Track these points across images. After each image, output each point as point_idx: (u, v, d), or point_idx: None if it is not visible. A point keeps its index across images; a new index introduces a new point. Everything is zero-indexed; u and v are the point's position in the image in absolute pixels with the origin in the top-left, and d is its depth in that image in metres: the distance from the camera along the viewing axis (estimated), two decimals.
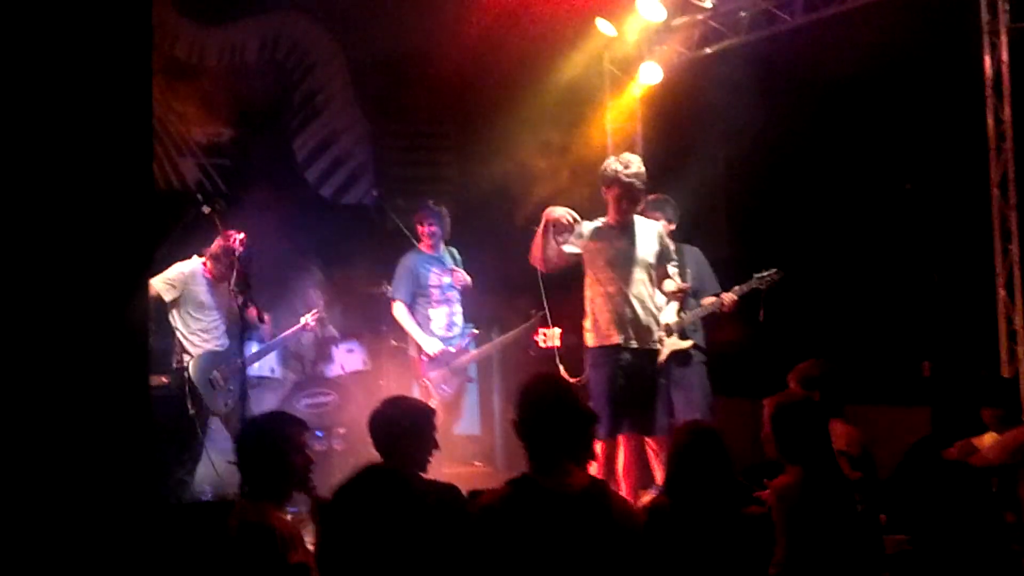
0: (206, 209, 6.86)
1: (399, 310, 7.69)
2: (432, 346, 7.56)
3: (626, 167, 6.39)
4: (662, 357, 6.91)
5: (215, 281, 7.43)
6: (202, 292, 7.41)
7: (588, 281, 6.53)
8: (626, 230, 6.51)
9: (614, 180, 6.41)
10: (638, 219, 6.63)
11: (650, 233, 6.61)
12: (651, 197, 7.15)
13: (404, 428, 4.31)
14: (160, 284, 7.26)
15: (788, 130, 8.33)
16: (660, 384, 6.59)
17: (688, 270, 7.24)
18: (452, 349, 7.66)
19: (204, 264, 7.41)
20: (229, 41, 9.86)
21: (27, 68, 4.16)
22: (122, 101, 4.52)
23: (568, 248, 6.49)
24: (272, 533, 3.85)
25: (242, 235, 7.11)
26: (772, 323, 7.16)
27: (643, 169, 6.48)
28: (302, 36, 10.23)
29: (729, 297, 7.17)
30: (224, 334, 7.50)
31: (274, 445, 4.05)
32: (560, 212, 6.39)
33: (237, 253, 6.98)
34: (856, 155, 7.96)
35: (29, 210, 4.23)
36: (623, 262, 6.42)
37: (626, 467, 6.33)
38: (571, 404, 3.60)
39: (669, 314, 7.12)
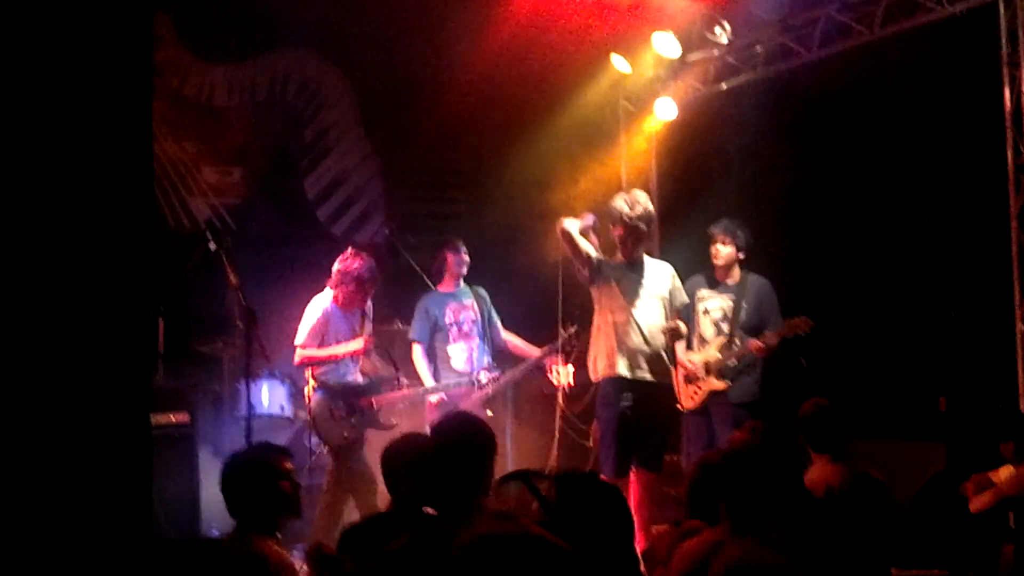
0: (213, 246, 6.79)
1: (416, 352, 7.58)
2: (434, 394, 7.41)
3: (631, 207, 6.37)
4: (702, 396, 6.78)
5: (343, 310, 7.12)
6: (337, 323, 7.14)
7: (597, 314, 6.46)
8: (637, 265, 6.50)
9: (619, 220, 6.39)
10: (648, 258, 6.65)
11: (662, 271, 6.61)
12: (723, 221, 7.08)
13: (411, 465, 4.17)
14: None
15: (804, 165, 8.26)
16: (671, 423, 6.47)
17: (746, 304, 7.05)
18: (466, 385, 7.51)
19: (334, 297, 7.10)
20: (239, 80, 9.88)
21: (24, 101, 4.13)
22: (122, 134, 4.48)
23: (583, 242, 6.48)
24: (264, 561, 3.75)
25: (361, 255, 7.01)
26: (789, 357, 7.03)
27: (650, 207, 6.45)
28: (312, 74, 10.23)
29: (755, 344, 6.90)
30: (351, 367, 7.21)
31: (259, 475, 4.01)
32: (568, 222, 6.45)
33: (358, 273, 6.91)
34: (873, 189, 7.86)
35: (26, 247, 4.20)
36: (634, 292, 6.41)
37: (638, 503, 6.20)
38: (480, 445, 3.51)
39: (711, 351, 6.97)
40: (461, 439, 3.52)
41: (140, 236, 4.63)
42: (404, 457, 4.20)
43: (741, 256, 7.17)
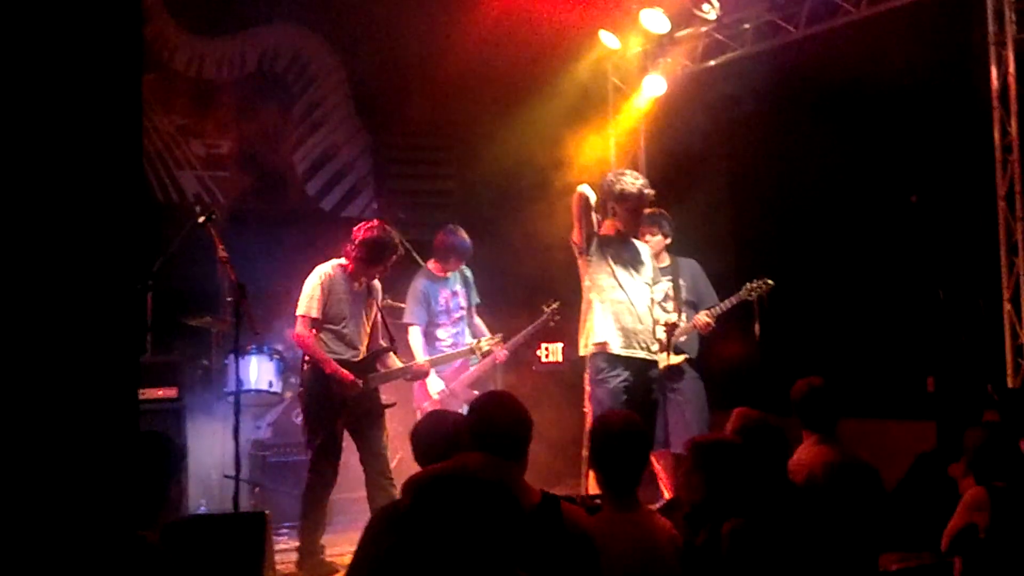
0: (201, 219, 6.74)
1: (414, 335, 7.51)
2: (435, 387, 7.39)
3: (636, 180, 6.43)
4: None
5: (352, 281, 6.65)
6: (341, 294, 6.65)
7: (588, 290, 6.45)
8: (628, 242, 6.56)
9: (630, 196, 6.40)
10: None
11: (646, 251, 6.69)
12: (646, 211, 7.10)
13: (442, 441, 4.17)
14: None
15: (792, 142, 8.27)
16: (658, 397, 6.53)
17: (683, 283, 7.19)
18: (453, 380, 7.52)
19: (343, 265, 6.66)
20: (228, 53, 9.82)
21: (12, 74, 4.11)
22: (112, 110, 4.47)
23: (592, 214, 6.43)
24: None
25: (375, 222, 6.61)
26: (778, 337, 7.06)
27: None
28: (302, 48, 10.18)
29: (702, 321, 7.06)
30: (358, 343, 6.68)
31: (150, 471, 3.62)
32: (590, 191, 6.31)
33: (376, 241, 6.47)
34: (862, 167, 7.88)
35: (16, 223, 4.19)
36: (629, 270, 6.44)
37: None
38: (522, 418, 3.55)
39: (660, 330, 7.03)
40: (506, 416, 3.54)
41: (129, 210, 4.61)
42: (434, 435, 4.20)
43: (668, 241, 7.29)
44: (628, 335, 6.35)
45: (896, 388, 7.34)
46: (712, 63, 9.04)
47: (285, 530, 7.15)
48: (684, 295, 7.21)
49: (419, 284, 7.64)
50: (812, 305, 7.93)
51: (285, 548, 6.62)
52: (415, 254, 8.00)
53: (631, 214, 6.45)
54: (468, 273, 7.80)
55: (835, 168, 8.03)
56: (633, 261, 6.49)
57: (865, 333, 7.76)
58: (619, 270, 6.40)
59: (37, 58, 4.11)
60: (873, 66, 7.62)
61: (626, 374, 6.31)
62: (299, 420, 8.15)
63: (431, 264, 7.73)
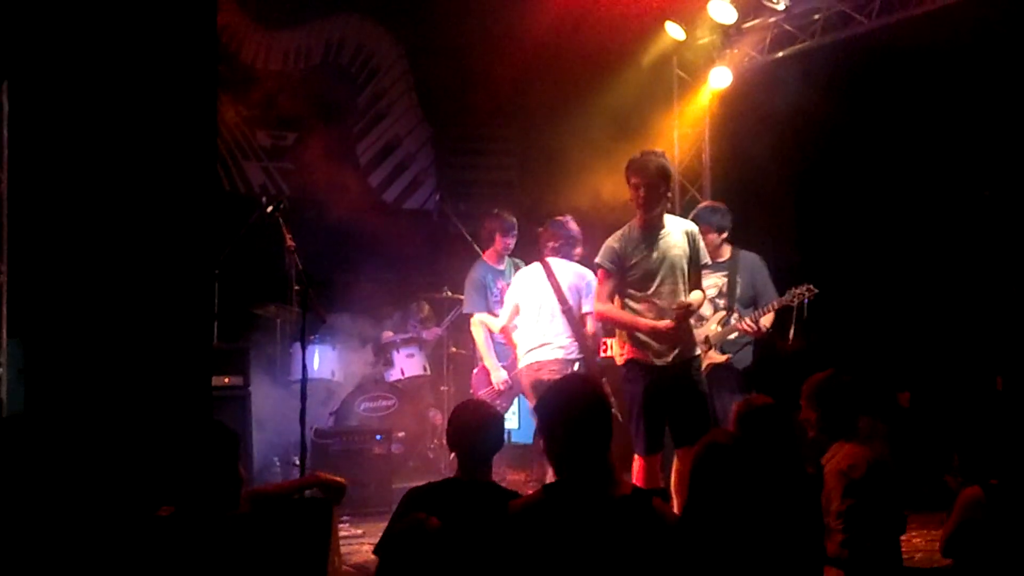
0: (269, 208, 6.80)
1: (477, 326, 7.47)
2: (498, 376, 7.35)
3: (643, 153, 5.85)
4: (703, 370, 6.64)
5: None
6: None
7: (618, 296, 6.03)
8: (654, 232, 5.89)
9: (670, 177, 5.92)
10: (668, 218, 5.96)
11: (682, 232, 5.96)
12: (700, 207, 7.00)
13: (478, 428, 4.15)
14: None
15: (861, 136, 8.14)
16: (704, 392, 6.06)
17: (739, 279, 6.94)
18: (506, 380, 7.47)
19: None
20: (294, 45, 9.93)
21: (94, 77, 4.20)
22: (188, 104, 4.54)
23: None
24: None
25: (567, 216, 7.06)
26: (844, 333, 6.95)
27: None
28: (366, 40, 10.26)
29: (746, 324, 6.71)
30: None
31: (216, 460, 3.53)
32: None
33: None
34: (933, 161, 7.73)
35: (95, 214, 4.26)
36: (650, 272, 5.88)
37: (677, 483, 5.84)
38: (604, 405, 3.46)
39: (710, 326, 6.85)
40: (592, 399, 3.46)
41: (204, 201, 4.68)
42: (473, 421, 4.17)
43: (724, 236, 7.00)
44: (647, 343, 5.88)
45: (965, 387, 7.19)
46: (780, 54, 8.90)
47: (347, 517, 7.18)
48: (739, 291, 6.89)
49: (476, 273, 7.63)
50: (879, 302, 7.80)
51: (347, 535, 6.65)
52: (476, 246, 8.02)
53: (664, 196, 5.83)
54: (522, 265, 7.75)
55: (905, 162, 7.90)
56: (654, 254, 5.84)
57: (933, 330, 7.61)
58: (639, 273, 5.87)
59: (121, 53, 4.17)
60: (945, 57, 7.48)
61: (655, 373, 5.85)
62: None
63: (486, 255, 7.73)
